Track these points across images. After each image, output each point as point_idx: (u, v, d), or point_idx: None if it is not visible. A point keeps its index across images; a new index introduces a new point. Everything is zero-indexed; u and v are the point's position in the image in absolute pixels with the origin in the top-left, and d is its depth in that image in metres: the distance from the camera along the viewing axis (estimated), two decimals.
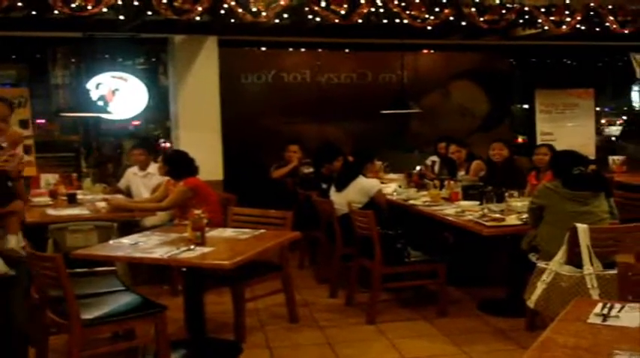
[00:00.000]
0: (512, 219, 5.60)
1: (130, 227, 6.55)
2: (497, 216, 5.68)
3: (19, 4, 6.72)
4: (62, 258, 4.04)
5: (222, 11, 7.29)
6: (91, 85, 8.27)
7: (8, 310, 3.77)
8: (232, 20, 7.41)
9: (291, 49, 9.92)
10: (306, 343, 5.38)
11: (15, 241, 3.69)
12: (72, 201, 7.01)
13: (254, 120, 9.51)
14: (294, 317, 5.83)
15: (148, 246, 4.70)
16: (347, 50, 10.22)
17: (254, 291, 5.67)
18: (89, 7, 6.77)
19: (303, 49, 9.98)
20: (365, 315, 5.82)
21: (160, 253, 4.45)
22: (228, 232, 5.19)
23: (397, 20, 8.02)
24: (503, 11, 8.29)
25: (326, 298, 6.52)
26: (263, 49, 9.73)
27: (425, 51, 10.63)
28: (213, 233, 5.02)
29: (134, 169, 7.78)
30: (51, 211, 6.59)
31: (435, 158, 8.89)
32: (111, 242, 5.09)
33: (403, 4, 8.00)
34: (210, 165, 7.86)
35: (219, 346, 5.24)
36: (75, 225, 6.02)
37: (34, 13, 6.87)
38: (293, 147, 8.46)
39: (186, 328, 5.32)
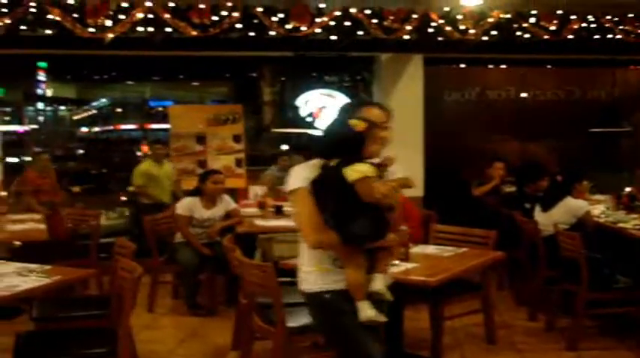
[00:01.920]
0: None
1: None
2: None
3: (239, 25, 7.14)
4: (273, 267, 4.24)
5: (430, 29, 7.36)
6: (300, 101, 8.63)
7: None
8: (439, 38, 7.47)
9: (494, 66, 9.79)
10: None
11: (381, 282, 3.19)
12: (279, 212, 7.31)
13: (456, 137, 9.46)
14: (492, 339, 5.71)
15: None
16: (549, 66, 9.93)
17: (452, 310, 5.59)
18: (303, 28, 7.08)
19: (507, 66, 9.82)
20: (565, 341, 5.60)
21: None
22: (431, 249, 5.21)
23: (609, 35, 7.72)
24: None
25: (525, 321, 6.33)
26: (464, 66, 9.68)
27: (632, 67, 10.10)
28: (416, 249, 5.05)
29: None
30: (259, 222, 6.93)
31: None
32: None
33: (616, 18, 7.69)
34: None
35: None
36: (281, 235, 6.27)
37: (251, 34, 7.28)
38: (499, 165, 8.32)
39: (384, 342, 5.39)
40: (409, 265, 4.58)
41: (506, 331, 6.01)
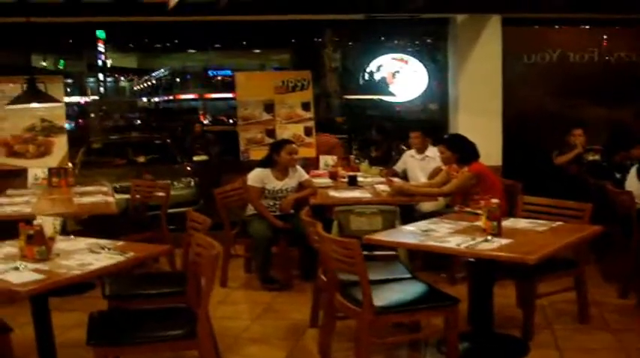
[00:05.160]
0: None
1: (407, 211, 6.45)
2: None
3: None
4: (359, 244, 3.97)
5: None
6: (372, 67, 8.33)
7: None
8: None
9: (578, 27, 9.25)
10: (597, 347, 4.91)
11: None
12: (352, 183, 7.04)
13: (536, 102, 9.00)
14: (585, 318, 5.36)
15: (441, 234, 4.50)
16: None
17: (543, 287, 5.20)
18: None
19: (590, 26, 9.27)
20: None
21: (456, 243, 4.23)
22: (522, 223, 4.85)
23: None
24: None
25: (615, 298, 5.93)
26: (547, 26, 9.16)
27: None
28: (507, 223, 4.70)
29: (412, 152, 7.70)
30: (333, 193, 6.67)
31: None
32: (404, 227, 4.95)
33: None
34: (489, 150, 7.55)
35: (505, 342, 4.94)
36: (359, 208, 6.01)
37: None
38: (578, 131, 7.87)
39: (470, 320, 5.11)
40: (502, 241, 4.24)
41: (597, 309, 5.63)
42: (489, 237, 4.29)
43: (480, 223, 4.53)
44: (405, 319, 4.53)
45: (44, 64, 23.61)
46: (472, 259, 4.79)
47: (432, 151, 7.30)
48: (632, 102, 9.12)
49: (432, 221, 5.00)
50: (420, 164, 7.52)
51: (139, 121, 25.68)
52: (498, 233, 4.36)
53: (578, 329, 5.27)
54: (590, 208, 5.13)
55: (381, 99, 9.80)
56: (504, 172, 7.99)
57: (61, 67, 24.84)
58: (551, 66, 9.07)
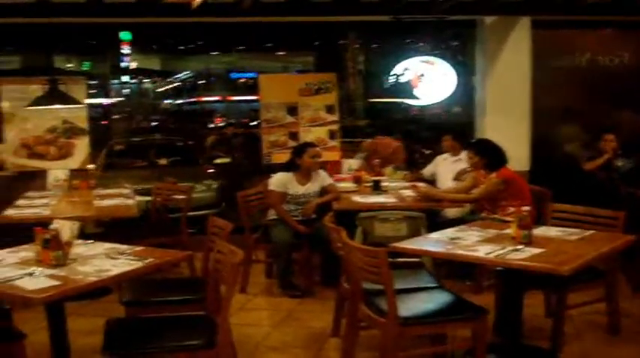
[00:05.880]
0: None
1: (431, 217, 6.29)
2: None
3: None
4: (386, 253, 3.83)
5: None
6: (398, 69, 8.18)
7: None
8: None
9: (607, 29, 9.04)
10: None
11: None
12: (377, 188, 6.89)
13: (564, 106, 8.82)
14: (616, 329, 5.18)
15: (469, 242, 4.34)
16: None
17: (573, 297, 5.00)
18: None
19: (620, 29, 9.06)
20: None
21: (485, 252, 4.07)
22: (553, 231, 4.68)
23: None
24: None
25: None
26: (576, 29, 8.96)
27: None
28: (537, 231, 4.53)
29: (445, 155, 7.56)
30: (357, 198, 6.52)
31: None
32: (431, 235, 4.80)
33: None
34: (517, 155, 7.37)
35: (533, 354, 4.76)
36: (384, 214, 5.87)
37: None
38: (609, 137, 7.66)
39: (497, 331, 4.95)
40: (534, 250, 4.07)
41: (627, 320, 5.42)
42: (520, 246, 4.13)
43: (510, 231, 4.38)
44: (432, 330, 4.37)
45: (69, 65, 23.68)
46: (500, 268, 4.63)
47: (465, 154, 7.16)
48: None
49: (460, 228, 4.84)
50: (452, 167, 7.37)
51: (159, 123, 25.70)
52: (529, 242, 4.20)
53: (609, 341, 5.10)
54: (623, 217, 4.95)
55: (405, 103, 9.66)
56: (531, 177, 7.80)
57: (85, 69, 24.91)
58: (581, 69, 8.90)
